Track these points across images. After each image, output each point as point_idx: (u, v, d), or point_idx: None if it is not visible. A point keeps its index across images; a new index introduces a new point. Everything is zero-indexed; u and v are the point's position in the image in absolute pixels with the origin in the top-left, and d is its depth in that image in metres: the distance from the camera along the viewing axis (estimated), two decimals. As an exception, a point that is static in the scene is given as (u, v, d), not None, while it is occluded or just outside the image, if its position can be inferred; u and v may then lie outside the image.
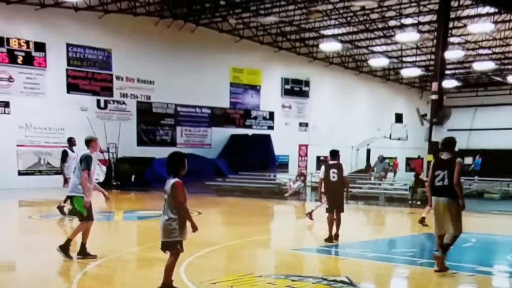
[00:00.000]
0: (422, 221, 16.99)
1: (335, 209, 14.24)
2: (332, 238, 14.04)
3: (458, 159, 10.75)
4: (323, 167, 14.50)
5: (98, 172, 33.39)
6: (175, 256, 8.27)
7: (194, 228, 8.27)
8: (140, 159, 34.37)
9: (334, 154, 14.45)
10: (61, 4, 32.04)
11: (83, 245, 11.16)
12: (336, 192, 14.28)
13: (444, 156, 10.71)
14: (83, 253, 11.14)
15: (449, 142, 10.88)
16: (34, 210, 21.28)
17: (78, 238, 11.32)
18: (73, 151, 18.40)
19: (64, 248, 10.97)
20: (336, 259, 12.87)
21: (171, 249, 8.21)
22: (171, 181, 8.18)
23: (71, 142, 18.85)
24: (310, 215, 17.85)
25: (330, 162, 14.40)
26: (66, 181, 17.91)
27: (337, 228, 14.20)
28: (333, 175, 14.10)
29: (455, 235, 10.47)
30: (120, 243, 14.77)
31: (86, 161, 11.20)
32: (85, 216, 11.18)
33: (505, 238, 16.39)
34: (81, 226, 11.27)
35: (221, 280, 9.47)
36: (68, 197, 11.71)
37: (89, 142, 11.59)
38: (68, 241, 11.07)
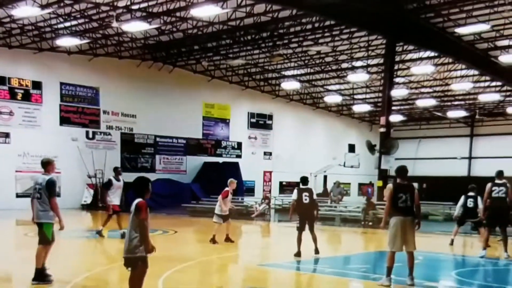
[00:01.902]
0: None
1: (308, 228, 14.36)
2: (299, 254, 14.11)
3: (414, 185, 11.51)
4: (295, 191, 14.55)
5: (86, 195, 34.67)
6: (138, 273, 7.79)
7: (147, 249, 7.74)
8: (124, 184, 34.99)
9: (305, 180, 14.92)
10: (56, 48, 32.45)
11: (38, 270, 10.17)
12: (309, 213, 14.45)
13: (402, 181, 10.97)
14: (40, 277, 10.18)
15: (403, 170, 11.11)
16: (29, 228, 18.77)
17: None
18: (118, 180, 18.02)
19: (40, 276, 10.10)
20: (297, 274, 12.84)
21: (133, 265, 7.75)
22: (136, 201, 7.78)
23: (117, 171, 18.33)
24: (213, 240, 16.72)
25: (302, 187, 14.63)
26: (108, 208, 17.91)
27: (315, 243, 14.43)
28: (305, 198, 14.30)
29: (413, 251, 10.84)
30: (105, 259, 14.77)
31: (55, 187, 10.37)
32: (50, 239, 10.28)
33: (448, 256, 16.63)
34: (43, 250, 10.23)
35: None
36: (37, 224, 10.33)
37: (48, 164, 10.51)
38: (38, 271, 10.14)
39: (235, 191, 33.36)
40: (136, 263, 7.71)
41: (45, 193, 10.11)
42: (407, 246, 10.76)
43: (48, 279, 10.15)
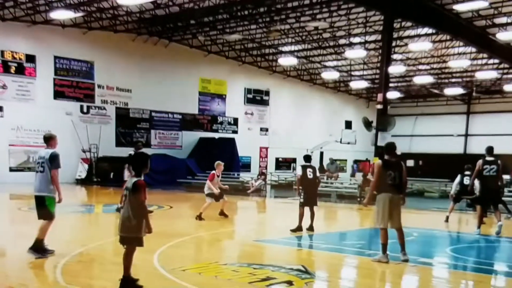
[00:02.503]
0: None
1: (310, 203, 14.62)
2: (300, 229, 14.26)
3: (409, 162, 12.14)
4: (299, 167, 14.76)
5: (81, 169, 34.64)
6: (131, 250, 7.82)
7: (149, 229, 7.79)
8: (119, 158, 32.91)
9: (308, 158, 15.08)
10: (50, 21, 32.16)
11: (41, 241, 10.12)
12: (312, 188, 14.73)
13: (390, 158, 10.81)
14: (40, 250, 10.11)
15: (392, 147, 11.04)
16: (23, 203, 20.25)
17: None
18: None
19: (39, 249, 10.03)
20: (293, 249, 12.74)
21: (128, 243, 7.78)
22: (134, 179, 7.71)
23: (137, 146, 17.69)
24: (199, 217, 16.42)
25: (305, 163, 14.77)
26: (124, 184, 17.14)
27: (312, 220, 14.51)
28: (309, 173, 14.48)
29: (401, 227, 10.73)
30: (100, 233, 14.67)
31: (58, 160, 10.12)
32: (53, 213, 10.22)
33: (443, 233, 16.64)
34: (47, 225, 10.16)
35: (190, 268, 9.43)
36: (37, 198, 10.25)
37: (50, 139, 10.37)
38: (40, 242, 10.07)
39: (230, 167, 33.91)
40: (133, 242, 7.75)
41: (48, 167, 10.03)
42: (392, 222, 10.68)
43: (47, 253, 10.08)
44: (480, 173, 14.94)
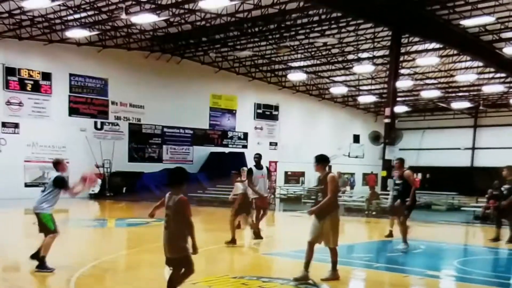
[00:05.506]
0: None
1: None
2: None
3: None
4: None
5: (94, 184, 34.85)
6: (186, 272, 7.51)
7: (195, 250, 7.46)
8: (131, 173, 34.88)
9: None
10: (65, 40, 32.56)
11: (43, 257, 10.29)
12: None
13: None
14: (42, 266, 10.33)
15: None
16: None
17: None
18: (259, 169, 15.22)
19: (42, 266, 10.22)
20: (301, 263, 11.89)
21: (181, 265, 7.46)
22: (177, 197, 7.38)
23: (258, 160, 15.50)
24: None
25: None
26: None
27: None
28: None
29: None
30: (112, 247, 14.71)
31: (62, 183, 10.47)
32: (53, 229, 10.40)
33: (450, 245, 16.47)
34: (50, 240, 10.37)
35: (201, 281, 9.33)
36: (35, 214, 10.56)
37: (57, 164, 10.85)
38: (42, 258, 10.26)
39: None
40: (182, 263, 7.43)
41: (50, 187, 10.46)
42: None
43: (45, 269, 10.27)
44: None
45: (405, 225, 14.09)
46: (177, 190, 7.44)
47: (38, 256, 10.37)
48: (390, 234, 16.35)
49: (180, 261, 7.41)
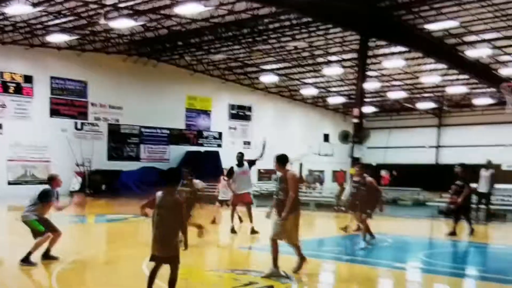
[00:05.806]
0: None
1: None
2: None
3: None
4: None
5: (74, 182, 35.05)
6: (177, 268, 7.45)
7: (186, 246, 7.79)
8: (110, 172, 35.50)
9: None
10: (46, 44, 32.92)
11: (30, 253, 10.46)
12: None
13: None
14: (47, 256, 10.75)
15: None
16: (20, 214, 19.53)
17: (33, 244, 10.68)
18: (240, 167, 15.98)
19: (26, 260, 10.37)
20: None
21: (175, 262, 7.40)
22: (171, 198, 7.42)
23: (240, 158, 16.22)
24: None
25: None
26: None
27: None
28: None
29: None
30: (92, 242, 14.88)
31: (46, 196, 10.74)
32: (43, 230, 10.60)
33: (416, 239, 16.82)
34: (42, 240, 10.61)
35: None
36: (24, 223, 10.91)
37: (51, 180, 11.04)
38: (29, 254, 10.42)
39: (215, 179, 33.97)
40: (173, 260, 7.41)
41: (34, 200, 10.82)
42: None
43: (28, 263, 10.41)
44: None
45: (365, 223, 14.07)
46: (171, 190, 7.53)
47: (48, 254, 10.74)
48: (345, 229, 16.48)
49: (171, 259, 7.43)
